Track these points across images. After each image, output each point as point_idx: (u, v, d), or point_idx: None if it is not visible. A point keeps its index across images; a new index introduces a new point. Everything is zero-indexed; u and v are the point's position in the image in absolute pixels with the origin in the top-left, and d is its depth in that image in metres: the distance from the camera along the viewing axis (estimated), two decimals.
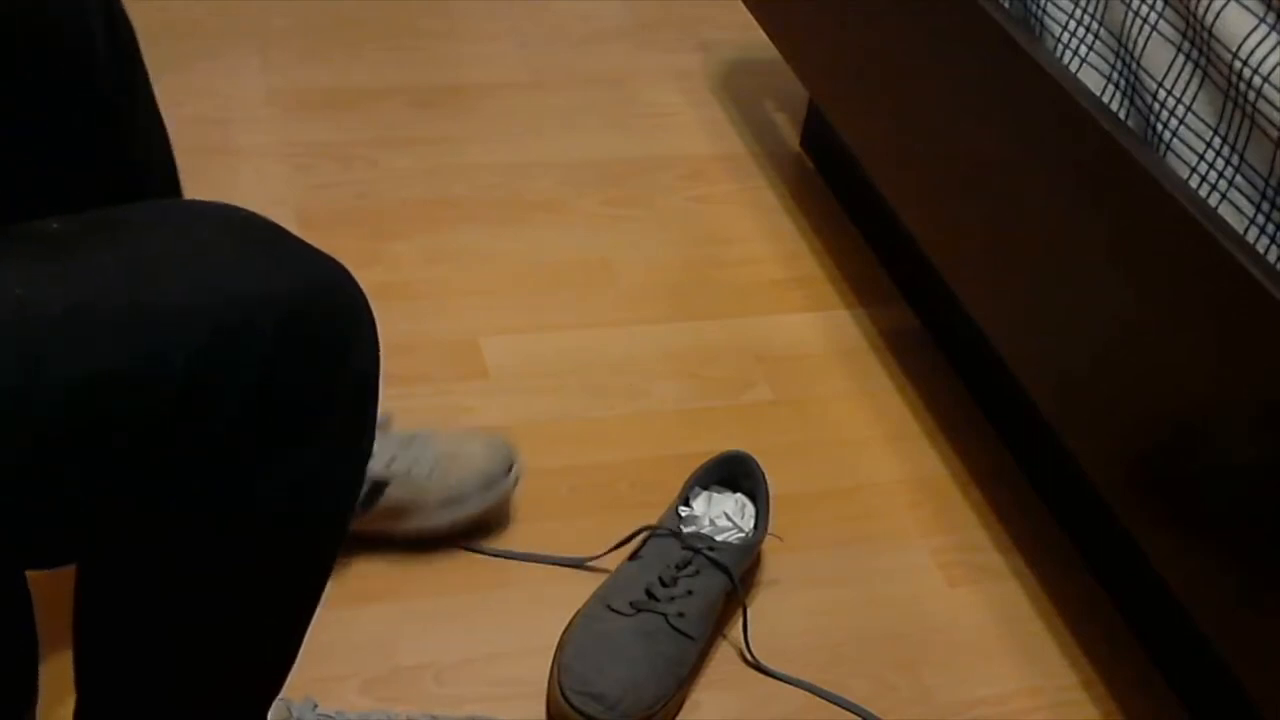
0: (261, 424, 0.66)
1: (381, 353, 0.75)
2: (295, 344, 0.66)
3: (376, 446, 1.17)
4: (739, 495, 1.24)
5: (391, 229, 1.61)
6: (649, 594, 1.13)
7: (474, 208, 1.68)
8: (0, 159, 0.91)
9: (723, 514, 1.22)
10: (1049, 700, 1.19)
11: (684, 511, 1.22)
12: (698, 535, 1.17)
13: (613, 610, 1.12)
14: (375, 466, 1.17)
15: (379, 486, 1.17)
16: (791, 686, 1.16)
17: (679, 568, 1.15)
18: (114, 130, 0.97)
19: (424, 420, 1.35)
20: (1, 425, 0.60)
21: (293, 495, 0.71)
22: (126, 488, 0.65)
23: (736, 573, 1.17)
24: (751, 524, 1.22)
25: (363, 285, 0.84)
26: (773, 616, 1.22)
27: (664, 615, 1.12)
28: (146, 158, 1.01)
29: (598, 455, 1.35)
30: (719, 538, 1.19)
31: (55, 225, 0.66)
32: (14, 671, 0.74)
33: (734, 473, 1.25)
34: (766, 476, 1.24)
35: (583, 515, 1.28)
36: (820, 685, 1.16)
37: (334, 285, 0.71)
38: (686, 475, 1.25)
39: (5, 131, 0.89)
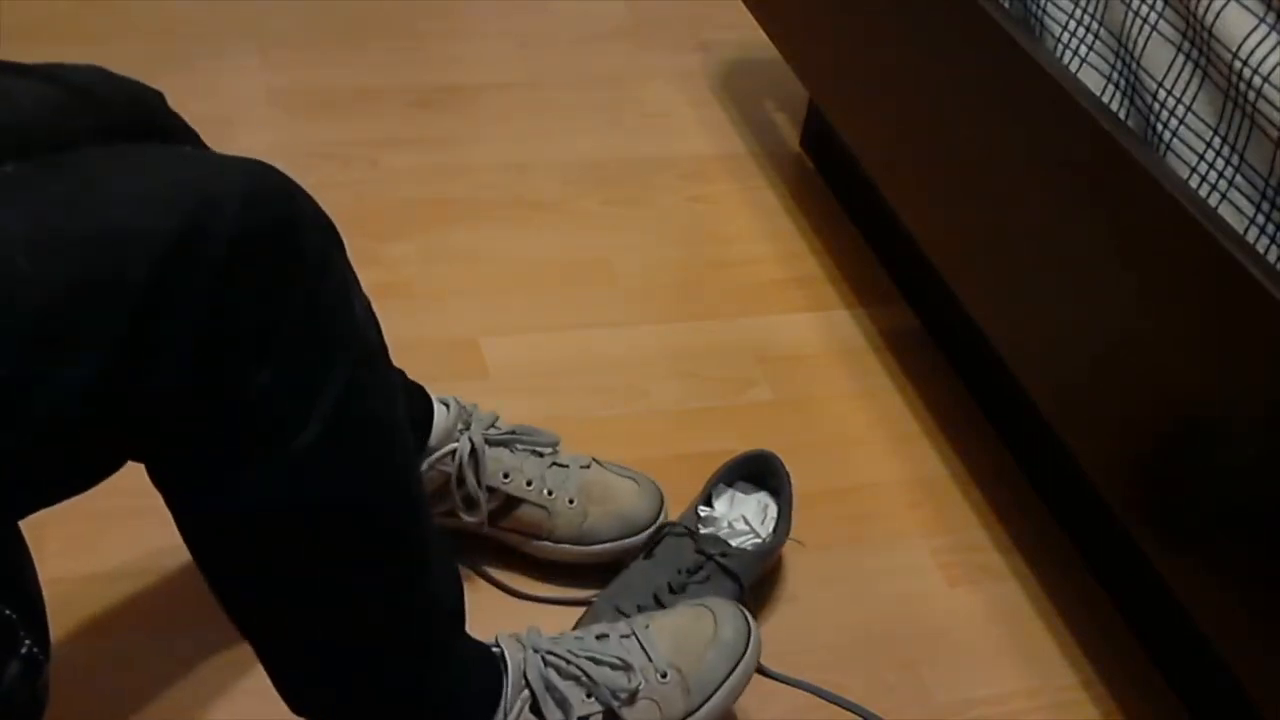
0: (229, 323, 0.70)
1: (340, 266, 0.78)
2: (248, 246, 0.69)
3: (525, 466, 1.19)
4: (763, 495, 1.24)
5: (391, 229, 1.61)
6: (656, 599, 1.12)
7: (474, 208, 1.68)
8: None
9: (741, 517, 1.20)
10: (1049, 700, 1.19)
11: (703, 511, 1.21)
12: (714, 538, 1.16)
13: (620, 613, 1.12)
14: (512, 483, 1.18)
15: (514, 502, 1.18)
16: (791, 686, 1.16)
17: (689, 572, 1.14)
18: None
19: None
20: None
21: (277, 386, 0.73)
22: (108, 400, 0.67)
23: (748, 581, 1.16)
24: (770, 528, 1.21)
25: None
26: (773, 616, 1.22)
27: None
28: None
29: (597, 455, 1.35)
30: (734, 542, 1.18)
31: (8, 168, 0.69)
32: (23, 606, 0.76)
33: (760, 470, 1.24)
34: (791, 478, 1.23)
35: None
36: (820, 685, 1.16)
37: (274, 186, 0.73)
38: (686, 475, 1.25)
39: None
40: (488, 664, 0.96)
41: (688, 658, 1.04)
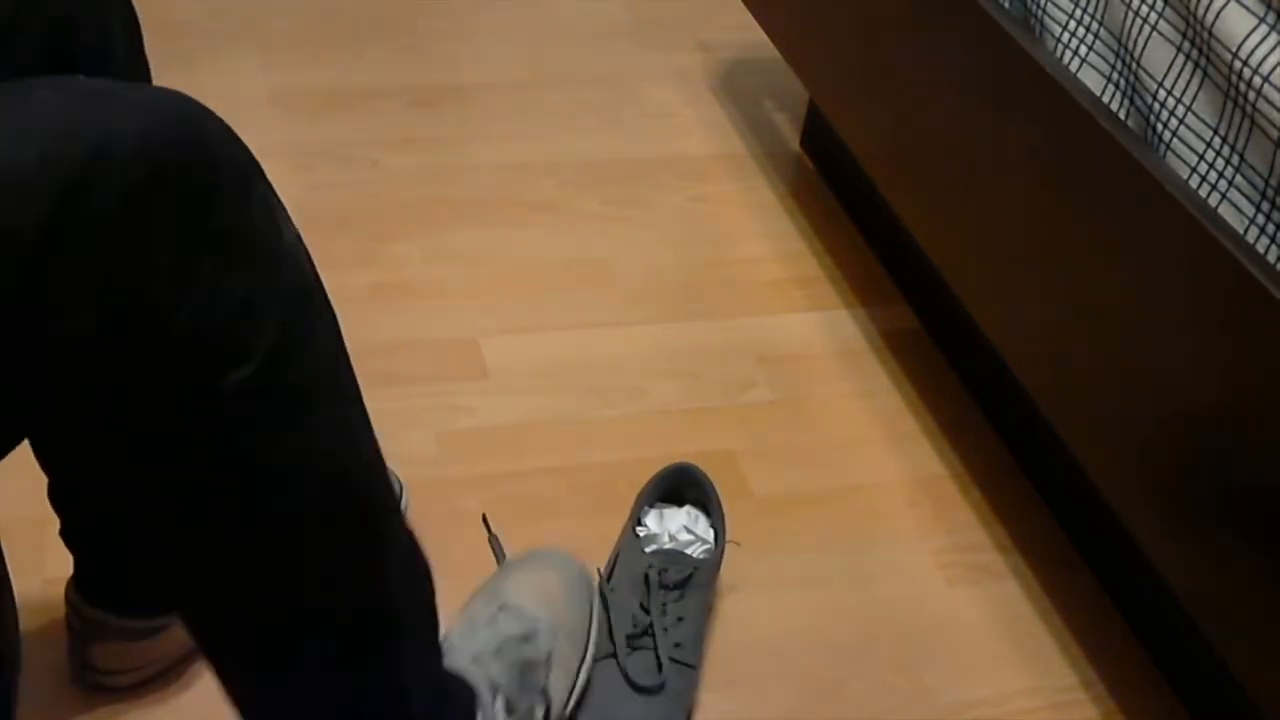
0: (135, 264, 0.64)
1: (261, 190, 0.71)
2: (150, 183, 0.63)
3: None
4: (687, 508, 1.22)
5: (391, 229, 1.61)
6: (634, 621, 1.11)
7: (474, 208, 1.68)
8: None
9: (682, 528, 1.19)
10: (1049, 700, 1.19)
11: (641, 532, 1.19)
12: (674, 554, 1.15)
13: (610, 655, 1.10)
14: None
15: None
16: (789, 686, 1.16)
17: (664, 588, 1.12)
18: None
19: (423, 419, 1.35)
20: None
21: (184, 343, 0.67)
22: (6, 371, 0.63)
23: (714, 587, 1.16)
24: (711, 534, 1.20)
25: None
26: (773, 617, 1.22)
27: (658, 650, 1.10)
28: None
29: (598, 455, 1.35)
30: (689, 552, 1.16)
31: None
32: None
33: (677, 484, 1.22)
34: (712, 482, 1.21)
35: (582, 515, 1.28)
36: (819, 685, 1.16)
37: (177, 114, 0.66)
38: None
39: None
40: (460, 683, 0.95)
41: (559, 613, 1.07)
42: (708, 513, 1.21)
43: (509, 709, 0.97)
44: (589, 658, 1.08)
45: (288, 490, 0.74)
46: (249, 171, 0.70)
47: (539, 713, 1.00)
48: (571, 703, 1.05)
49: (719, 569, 1.18)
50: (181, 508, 0.74)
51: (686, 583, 1.13)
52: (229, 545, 0.75)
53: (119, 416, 0.70)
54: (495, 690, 0.96)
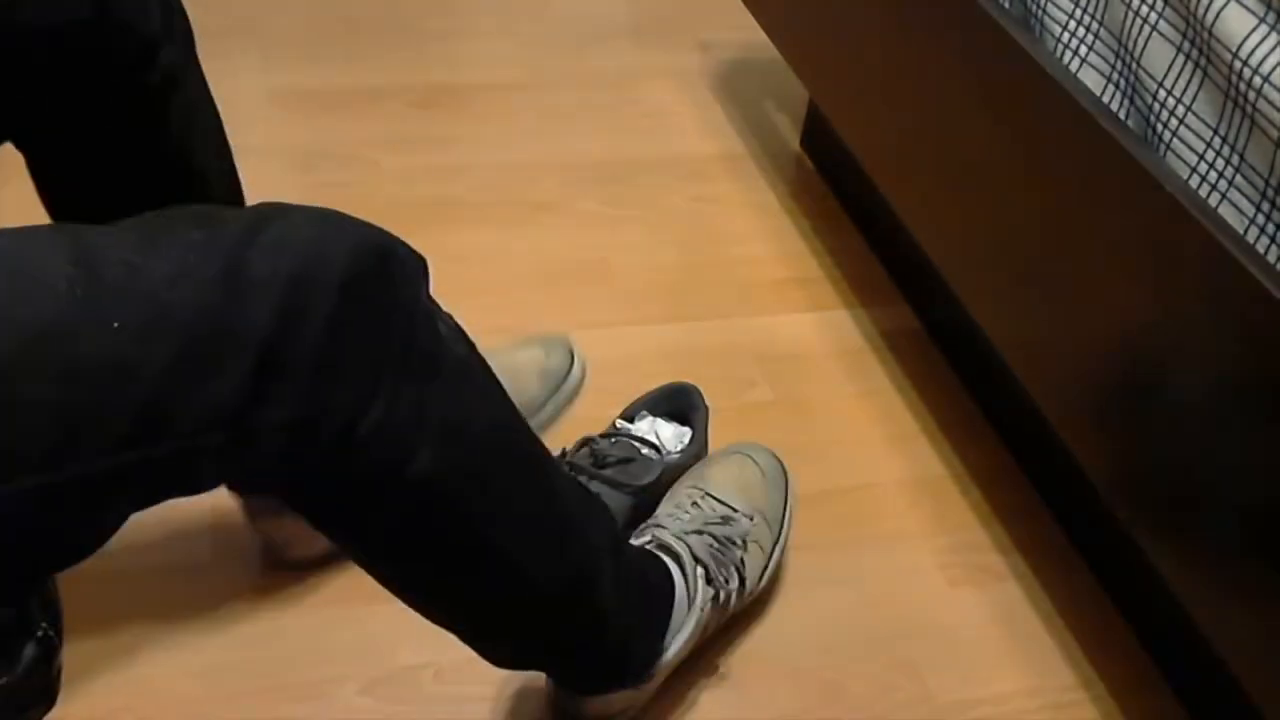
0: (341, 358, 0.73)
1: (426, 303, 0.83)
2: (356, 288, 0.75)
3: None
4: (684, 428, 1.30)
5: (391, 229, 1.60)
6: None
7: (474, 208, 1.68)
8: (64, 149, 1.03)
9: (655, 434, 1.27)
10: (1049, 700, 1.19)
11: (620, 425, 1.28)
12: (637, 439, 1.26)
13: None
14: None
15: None
16: (789, 686, 1.16)
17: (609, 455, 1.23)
18: (168, 117, 1.10)
19: None
20: (121, 373, 0.66)
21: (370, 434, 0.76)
22: (236, 428, 0.70)
23: (650, 480, 1.23)
24: (676, 449, 1.28)
25: None
26: (773, 617, 1.22)
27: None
28: (203, 148, 1.17)
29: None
30: (643, 451, 1.25)
31: (150, 215, 0.73)
32: None
33: (681, 406, 1.31)
34: (708, 404, 1.30)
35: None
36: (821, 686, 1.16)
37: (375, 237, 0.81)
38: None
39: (64, 121, 1.00)
40: (653, 560, 1.08)
41: (757, 500, 1.21)
42: (693, 429, 1.30)
43: (707, 579, 1.10)
44: (782, 539, 1.21)
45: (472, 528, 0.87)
46: (421, 280, 0.83)
47: (734, 584, 1.12)
48: (765, 580, 1.18)
49: (665, 472, 1.24)
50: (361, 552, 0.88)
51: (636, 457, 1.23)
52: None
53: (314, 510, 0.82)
54: (696, 561, 1.10)
